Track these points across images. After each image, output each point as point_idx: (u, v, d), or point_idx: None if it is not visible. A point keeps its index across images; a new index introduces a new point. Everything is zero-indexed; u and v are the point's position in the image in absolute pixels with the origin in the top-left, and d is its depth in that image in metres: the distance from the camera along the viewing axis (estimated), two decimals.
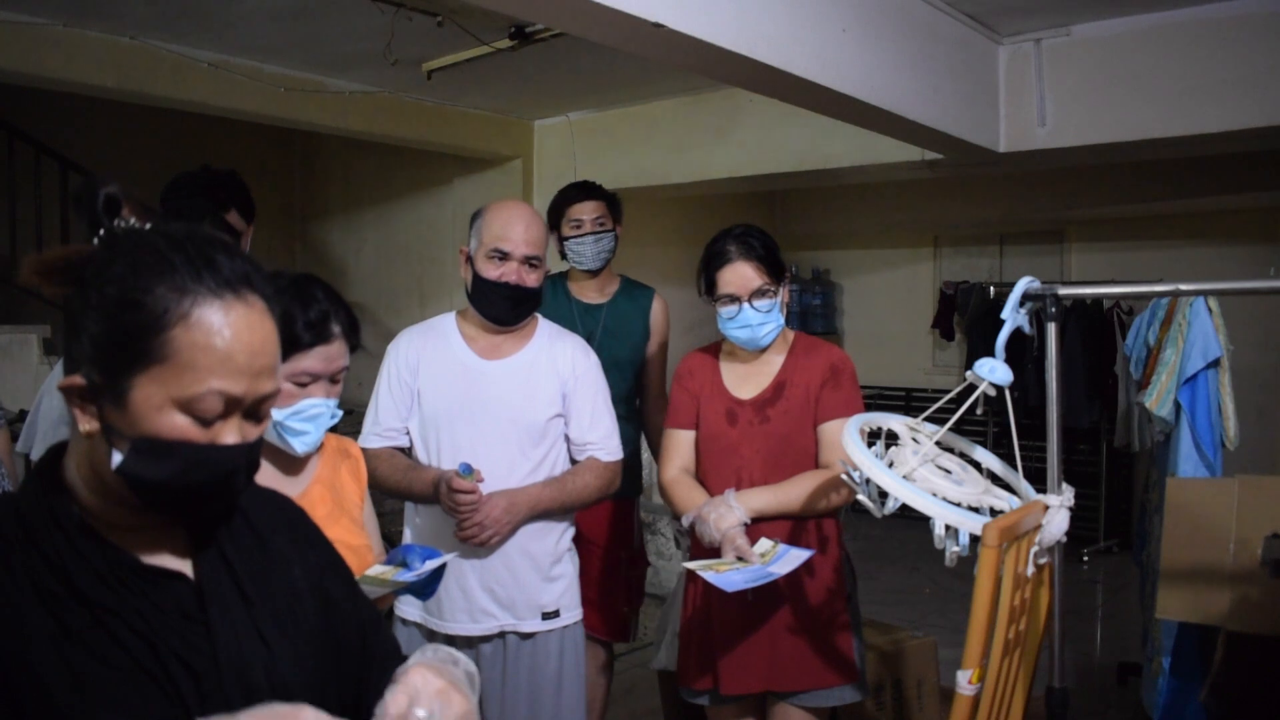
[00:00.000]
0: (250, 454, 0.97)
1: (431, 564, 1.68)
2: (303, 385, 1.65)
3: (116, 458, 0.91)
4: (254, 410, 0.95)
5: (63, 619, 0.90)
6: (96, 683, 0.90)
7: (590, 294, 3.03)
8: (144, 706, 0.91)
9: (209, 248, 0.94)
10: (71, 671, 0.89)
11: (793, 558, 2.05)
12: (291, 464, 1.72)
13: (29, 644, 0.88)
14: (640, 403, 3.07)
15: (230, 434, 0.93)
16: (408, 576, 1.66)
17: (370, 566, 1.70)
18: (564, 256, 3.00)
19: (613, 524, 2.93)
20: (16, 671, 0.87)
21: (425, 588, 1.71)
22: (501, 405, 2.19)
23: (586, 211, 2.96)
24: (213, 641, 0.97)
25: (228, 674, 0.97)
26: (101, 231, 0.94)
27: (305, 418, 1.65)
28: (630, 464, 2.86)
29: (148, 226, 0.96)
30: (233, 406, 0.93)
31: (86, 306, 0.91)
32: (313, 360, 1.65)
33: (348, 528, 1.72)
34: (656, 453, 2.98)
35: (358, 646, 1.16)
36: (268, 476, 1.62)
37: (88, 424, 0.92)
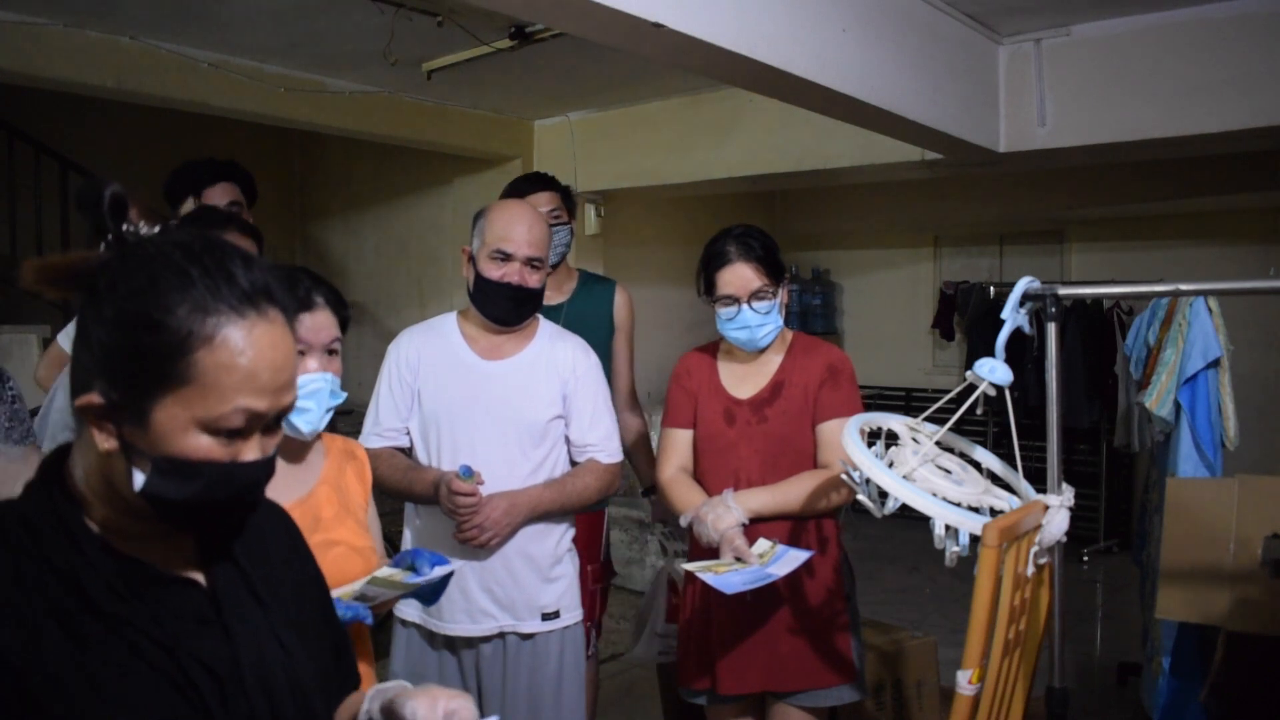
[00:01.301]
0: (269, 466, 0.96)
1: (440, 570, 1.68)
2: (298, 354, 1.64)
3: (139, 478, 0.90)
4: (273, 423, 0.95)
5: (77, 632, 0.89)
6: (119, 694, 0.89)
7: (548, 293, 2.93)
8: (169, 713, 0.91)
9: (226, 259, 0.92)
10: (92, 684, 0.88)
11: (791, 559, 2.05)
12: (299, 463, 1.72)
13: (47, 658, 0.87)
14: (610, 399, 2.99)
15: (252, 450, 0.93)
16: (416, 580, 1.66)
17: (377, 568, 1.70)
18: None
19: (582, 539, 2.89)
20: (38, 686, 0.86)
21: (432, 594, 1.71)
22: (502, 405, 2.19)
23: (541, 204, 2.82)
24: (232, 645, 0.97)
25: (250, 677, 0.97)
26: (109, 236, 0.93)
27: (305, 394, 1.64)
28: None
29: (156, 229, 0.95)
30: (255, 423, 0.92)
31: (100, 319, 0.89)
32: (299, 329, 1.64)
33: (353, 529, 1.73)
34: (628, 452, 2.94)
35: (342, 657, 1.17)
36: (279, 475, 1.62)
37: (106, 442, 0.90)
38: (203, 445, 0.90)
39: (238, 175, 2.71)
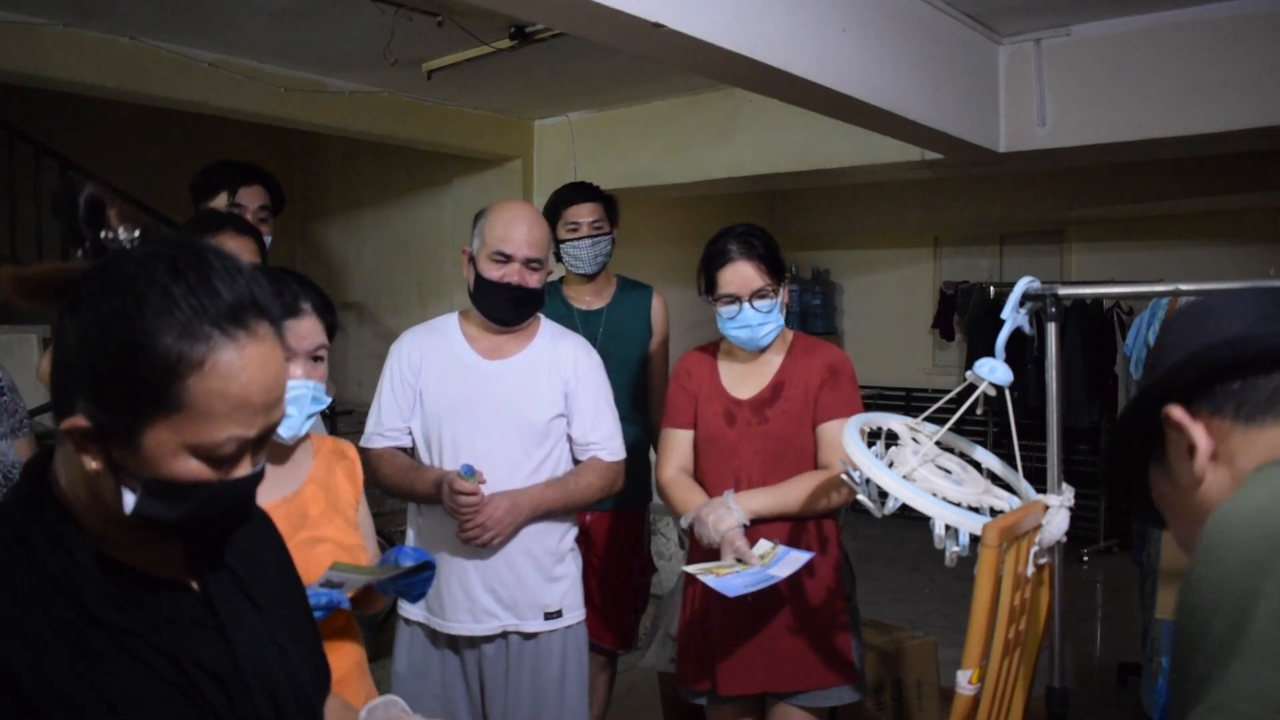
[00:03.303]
0: (259, 478, 0.96)
1: (412, 560, 1.67)
2: None
3: (129, 499, 0.88)
4: (263, 439, 0.94)
5: (79, 642, 0.88)
6: (126, 703, 0.88)
7: (588, 299, 2.99)
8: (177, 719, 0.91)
9: (210, 273, 0.88)
10: (99, 695, 0.87)
11: (792, 560, 2.05)
12: (285, 463, 1.72)
13: (50, 671, 0.86)
14: (647, 402, 3.01)
15: (243, 468, 0.92)
16: (386, 565, 1.66)
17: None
18: (559, 259, 2.94)
19: (623, 534, 2.91)
20: (43, 700, 0.85)
21: (412, 589, 1.70)
22: (503, 405, 2.19)
23: (584, 214, 2.92)
24: (232, 648, 0.97)
25: (252, 679, 0.96)
26: (86, 244, 0.89)
27: (287, 400, 1.63)
28: (639, 469, 2.83)
29: (136, 235, 0.91)
30: (247, 448, 0.91)
31: (83, 340, 0.86)
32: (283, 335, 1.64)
33: (341, 527, 1.73)
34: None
35: (323, 657, 1.17)
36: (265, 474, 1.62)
37: (92, 463, 0.88)
38: (193, 468, 0.88)
39: (270, 182, 2.76)
